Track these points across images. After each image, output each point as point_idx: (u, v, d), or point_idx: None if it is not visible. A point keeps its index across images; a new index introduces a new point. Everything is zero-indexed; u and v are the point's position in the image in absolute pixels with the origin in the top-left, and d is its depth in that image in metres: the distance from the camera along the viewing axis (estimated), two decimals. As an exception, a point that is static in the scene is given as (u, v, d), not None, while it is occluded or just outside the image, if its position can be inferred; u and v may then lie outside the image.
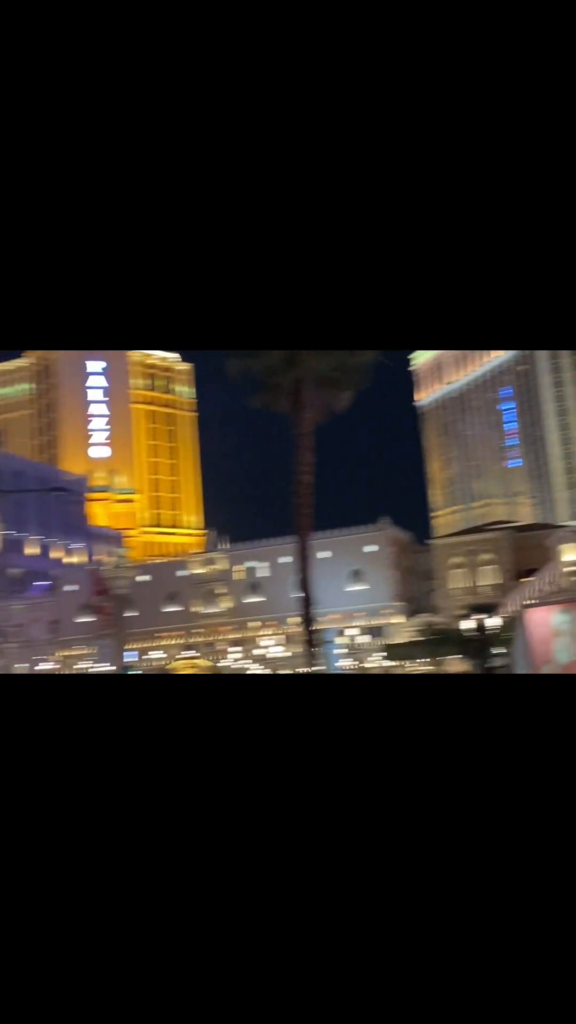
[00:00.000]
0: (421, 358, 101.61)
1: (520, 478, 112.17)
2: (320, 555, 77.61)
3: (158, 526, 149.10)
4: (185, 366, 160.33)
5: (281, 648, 75.44)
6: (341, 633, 70.40)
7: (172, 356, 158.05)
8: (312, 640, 22.24)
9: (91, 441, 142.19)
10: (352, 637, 71.91)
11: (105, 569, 77.54)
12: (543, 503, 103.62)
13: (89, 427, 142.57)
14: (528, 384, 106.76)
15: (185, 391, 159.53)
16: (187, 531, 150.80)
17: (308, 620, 21.73)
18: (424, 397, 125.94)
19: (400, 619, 74.54)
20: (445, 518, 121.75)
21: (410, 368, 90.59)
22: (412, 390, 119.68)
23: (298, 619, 74.89)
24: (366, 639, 72.44)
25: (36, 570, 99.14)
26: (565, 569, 65.83)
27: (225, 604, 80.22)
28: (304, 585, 21.32)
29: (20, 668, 79.78)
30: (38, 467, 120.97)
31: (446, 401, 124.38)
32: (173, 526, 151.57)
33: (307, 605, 21.57)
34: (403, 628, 73.56)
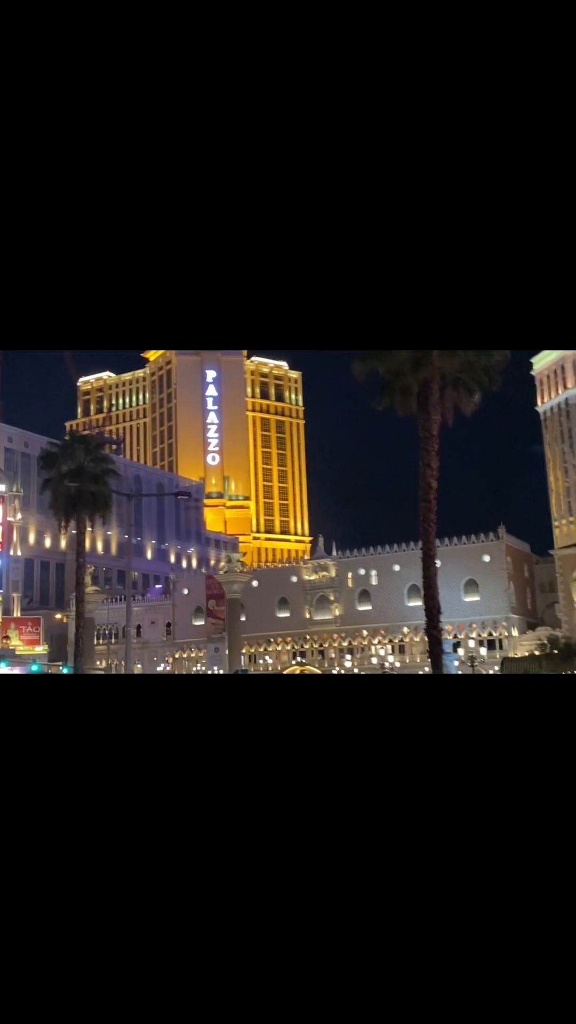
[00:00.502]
0: (541, 362, 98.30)
1: None
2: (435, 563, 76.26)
3: (269, 532, 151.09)
4: (295, 374, 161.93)
5: (391, 657, 74.43)
6: (458, 645, 68.64)
7: (283, 364, 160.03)
8: (434, 650, 21.61)
9: (207, 448, 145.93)
10: (469, 649, 69.99)
11: (219, 574, 79.14)
12: None
13: (206, 435, 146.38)
14: None
15: (294, 398, 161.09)
16: (297, 537, 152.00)
17: (433, 629, 21.10)
18: (544, 403, 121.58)
19: (516, 632, 71.88)
20: (566, 528, 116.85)
21: (531, 372, 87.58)
22: (532, 395, 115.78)
23: (407, 629, 73.80)
24: (483, 651, 70.34)
25: (154, 573, 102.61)
26: None
27: (336, 611, 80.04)
28: (429, 593, 20.74)
29: (138, 669, 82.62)
30: (157, 473, 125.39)
31: (567, 407, 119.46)
32: (283, 532, 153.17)
33: (433, 614, 20.96)
34: (521, 641, 70.88)
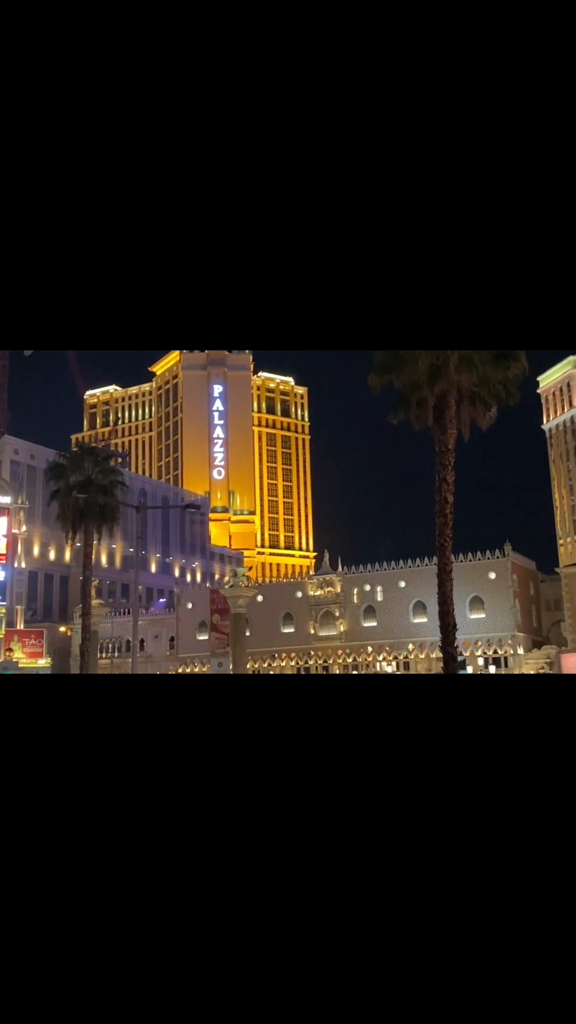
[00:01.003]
0: (547, 380, 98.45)
1: None
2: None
3: (273, 547, 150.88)
4: (301, 389, 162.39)
5: (397, 674, 73.95)
6: (465, 663, 68.24)
7: (289, 379, 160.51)
8: (450, 668, 21.36)
9: (213, 463, 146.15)
10: (477, 667, 69.54)
11: (224, 588, 78.91)
12: None
13: (211, 449, 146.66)
14: None
15: (300, 414, 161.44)
16: (301, 553, 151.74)
17: (449, 647, 20.89)
18: (550, 420, 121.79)
19: (521, 650, 71.41)
20: (571, 546, 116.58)
21: (537, 390, 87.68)
22: (538, 413, 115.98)
23: (413, 645, 73.30)
24: (492, 669, 69.89)
25: (157, 587, 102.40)
26: None
27: (341, 627, 79.66)
28: (444, 609, 20.53)
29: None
30: (162, 487, 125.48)
31: (572, 425, 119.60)
32: (287, 547, 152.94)
33: (448, 631, 20.75)
34: (527, 660, 70.42)
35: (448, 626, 20.80)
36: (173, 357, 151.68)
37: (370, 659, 76.85)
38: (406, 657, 75.07)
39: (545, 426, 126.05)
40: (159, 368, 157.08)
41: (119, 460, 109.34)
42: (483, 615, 72.55)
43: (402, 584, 76.18)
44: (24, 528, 79.11)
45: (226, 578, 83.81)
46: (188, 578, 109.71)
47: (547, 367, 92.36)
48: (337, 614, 79.71)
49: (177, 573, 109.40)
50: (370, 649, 77.13)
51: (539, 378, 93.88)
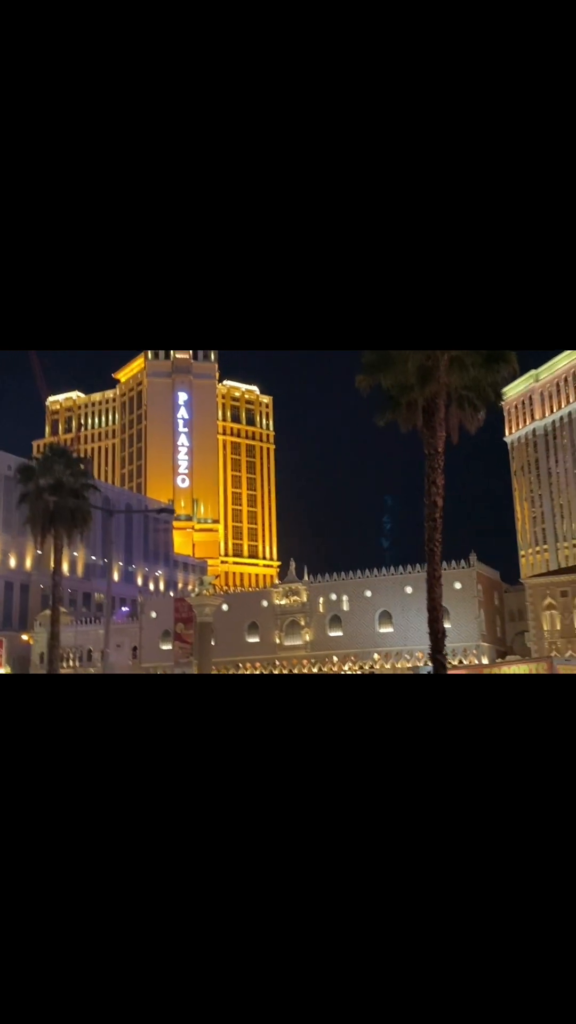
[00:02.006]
0: (509, 394, 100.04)
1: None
2: (406, 590, 76.23)
3: (237, 556, 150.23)
4: (266, 398, 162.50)
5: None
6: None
7: (255, 388, 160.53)
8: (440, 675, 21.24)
9: (177, 471, 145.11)
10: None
11: (188, 597, 78.09)
12: None
13: (176, 458, 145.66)
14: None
15: (265, 423, 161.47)
16: (265, 562, 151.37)
17: (438, 654, 20.75)
18: (512, 433, 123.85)
19: (486, 660, 72.02)
20: (532, 557, 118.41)
21: (500, 403, 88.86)
22: (500, 426, 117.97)
23: (378, 655, 73.39)
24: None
25: (121, 595, 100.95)
26: None
27: (306, 636, 79.42)
28: (434, 615, 20.42)
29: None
30: (125, 494, 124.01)
31: (534, 438, 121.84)
32: (251, 556, 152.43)
33: (438, 637, 20.61)
34: (491, 670, 71.03)
35: (437, 633, 20.67)
36: (138, 364, 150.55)
37: (335, 668, 76.71)
38: (371, 667, 75.11)
39: (507, 438, 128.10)
40: (123, 375, 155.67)
41: (81, 467, 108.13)
42: (449, 625, 73.01)
43: (368, 593, 76.30)
44: (-16, 534, 77.24)
45: (190, 587, 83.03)
46: (151, 587, 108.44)
47: (509, 379, 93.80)
48: (303, 623, 79.49)
49: (140, 582, 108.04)
50: (335, 659, 77.02)
51: (502, 390, 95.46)
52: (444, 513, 20.44)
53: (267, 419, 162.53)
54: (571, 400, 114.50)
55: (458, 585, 74.03)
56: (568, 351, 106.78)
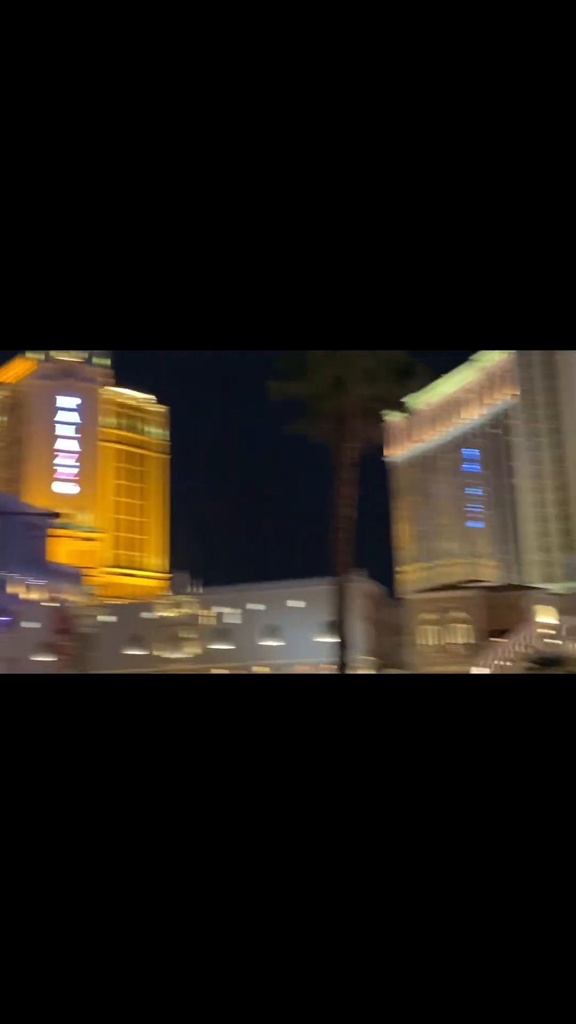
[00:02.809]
0: (393, 414, 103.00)
1: (483, 539, 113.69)
2: (292, 604, 76.62)
3: (120, 567, 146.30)
4: (159, 408, 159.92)
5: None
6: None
7: (146, 397, 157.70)
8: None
9: (57, 477, 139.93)
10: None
11: (68, 607, 75.17)
12: (507, 565, 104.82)
13: (56, 463, 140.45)
14: (498, 447, 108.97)
15: (157, 432, 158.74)
16: (150, 574, 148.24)
17: (343, 666, 20.71)
18: (395, 454, 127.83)
19: (369, 674, 73.45)
20: (411, 574, 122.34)
21: (382, 423, 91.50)
22: (383, 444, 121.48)
23: (266, 668, 73.26)
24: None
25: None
26: (540, 631, 65.95)
27: (191, 650, 78.20)
28: (340, 629, 20.39)
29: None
30: (2, 498, 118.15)
31: (416, 459, 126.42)
32: (135, 568, 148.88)
33: (343, 650, 20.58)
34: (373, 683, 72.50)
35: (345, 644, 20.65)
36: (22, 365, 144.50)
37: (220, 682, 75.93)
38: (256, 680, 74.88)
39: (390, 458, 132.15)
40: (6, 376, 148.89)
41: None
42: (336, 639, 73.98)
43: (258, 606, 76.14)
44: None
45: (71, 597, 79.98)
46: (28, 597, 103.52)
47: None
48: (188, 636, 78.26)
49: (14, 591, 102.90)
50: (214, 671, 76.20)
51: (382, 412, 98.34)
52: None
53: (161, 428, 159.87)
54: (455, 423, 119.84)
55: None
56: (452, 375, 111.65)
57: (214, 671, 75.72)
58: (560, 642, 62.45)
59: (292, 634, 74.04)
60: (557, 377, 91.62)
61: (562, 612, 65.36)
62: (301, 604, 72.96)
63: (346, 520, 19.28)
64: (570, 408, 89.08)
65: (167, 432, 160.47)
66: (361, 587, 76.11)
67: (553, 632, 64.13)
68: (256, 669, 74.35)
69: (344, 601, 19.60)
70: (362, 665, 73.27)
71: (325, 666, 71.28)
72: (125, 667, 78.08)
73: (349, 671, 20.18)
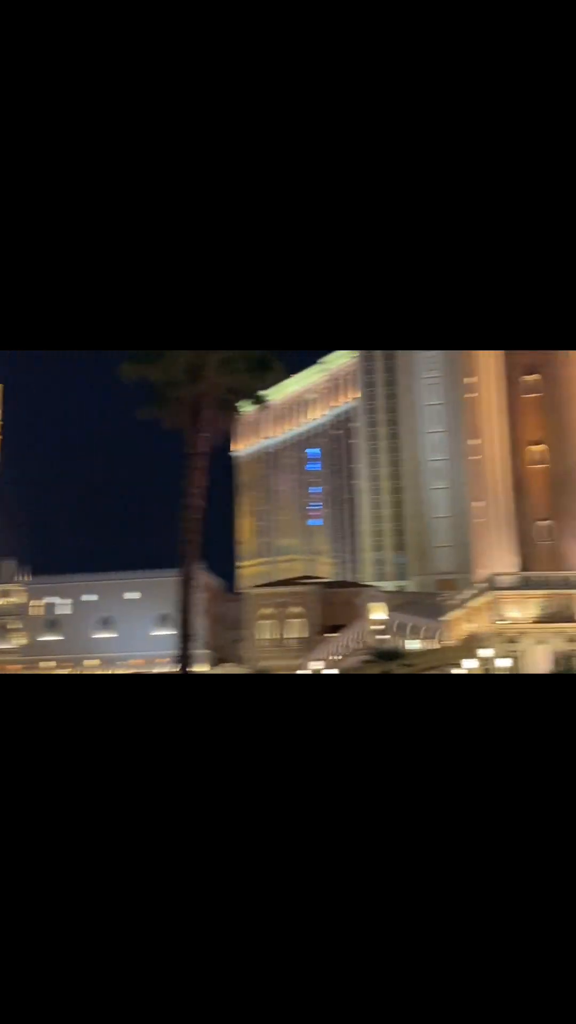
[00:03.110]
0: (247, 406, 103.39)
1: (321, 537, 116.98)
2: (128, 596, 74.65)
3: None
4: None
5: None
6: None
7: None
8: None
9: None
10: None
11: None
12: (343, 563, 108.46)
13: None
14: (340, 447, 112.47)
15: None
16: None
17: (184, 660, 20.13)
18: (240, 448, 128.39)
19: (207, 668, 73.16)
20: (251, 569, 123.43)
21: (236, 414, 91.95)
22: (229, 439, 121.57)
23: (98, 660, 70.98)
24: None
25: None
26: (371, 627, 68.70)
27: (17, 640, 74.08)
28: (185, 619, 19.83)
29: None
30: None
31: (261, 455, 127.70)
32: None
33: (185, 642, 20.01)
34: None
35: (188, 637, 20.09)
36: None
37: (44, 674, 72.55)
38: (83, 672, 72.30)
39: (235, 452, 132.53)
40: None
41: None
42: (173, 631, 73.00)
43: (91, 597, 73.47)
44: None
45: None
46: None
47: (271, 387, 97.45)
48: (14, 627, 74.11)
49: None
50: (54, 664, 72.85)
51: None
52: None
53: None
54: (300, 422, 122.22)
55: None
56: (300, 375, 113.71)
57: (42, 664, 72.21)
58: (389, 638, 65.34)
59: (127, 626, 72.15)
60: (397, 384, 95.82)
61: (392, 609, 68.43)
62: (137, 595, 71.24)
63: (195, 510, 18.78)
64: (408, 414, 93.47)
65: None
66: (200, 580, 75.67)
67: (383, 628, 66.97)
68: (88, 662, 71.75)
69: (187, 593, 19.08)
70: (199, 659, 72.82)
71: (161, 660, 70.17)
72: (-58, 659, 72.68)
73: (188, 666, 19.72)
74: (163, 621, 73.87)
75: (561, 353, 53.74)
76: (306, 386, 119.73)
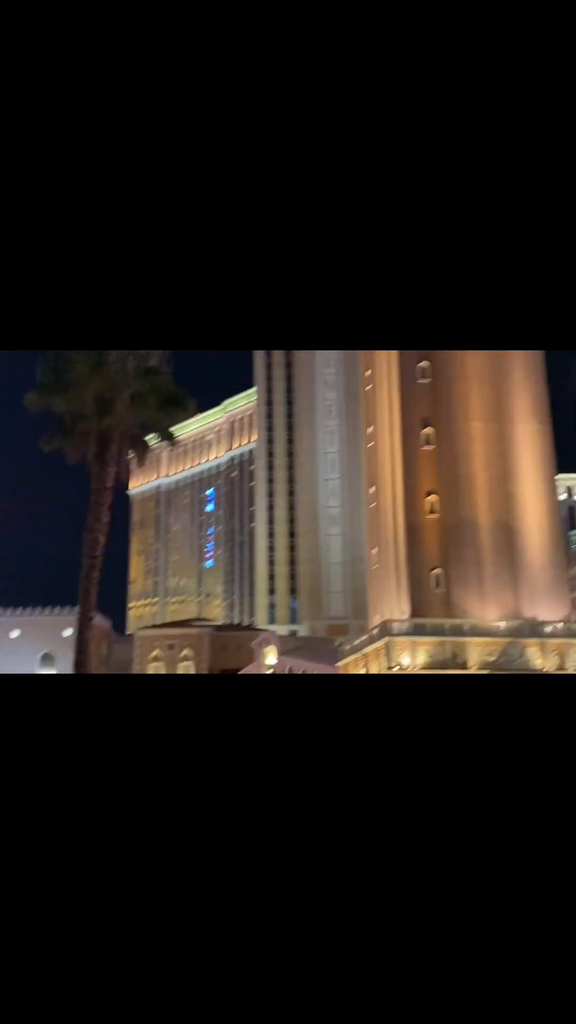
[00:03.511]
0: (156, 442, 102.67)
1: (215, 579, 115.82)
2: (11, 634, 70.69)
3: None
4: None
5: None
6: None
7: None
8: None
9: None
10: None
11: None
12: (236, 605, 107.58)
13: None
14: (236, 490, 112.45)
15: None
16: None
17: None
18: (135, 487, 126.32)
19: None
20: (141, 610, 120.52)
21: (146, 449, 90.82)
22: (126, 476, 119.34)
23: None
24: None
25: None
26: (264, 671, 67.90)
27: None
28: (81, 658, 18.76)
29: None
30: None
31: (156, 494, 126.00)
32: None
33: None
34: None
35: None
36: None
37: None
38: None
39: (130, 491, 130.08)
40: None
41: None
42: (54, 670, 69.83)
43: (14, 633, 69.62)
44: None
45: None
46: None
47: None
48: None
49: None
50: None
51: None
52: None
53: None
54: (196, 463, 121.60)
55: (68, 632, 71.44)
56: (200, 416, 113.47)
57: None
58: (281, 683, 64.89)
59: (5, 665, 68.49)
60: (295, 429, 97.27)
61: (284, 653, 68.06)
62: (18, 633, 67.82)
63: (97, 546, 17.94)
64: (307, 459, 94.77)
65: None
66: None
67: (274, 672, 66.39)
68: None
69: (83, 632, 18.10)
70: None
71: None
72: None
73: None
74: (44, 661, 70.56)
75: (456, 407, 56.09)
76: (205, 426, 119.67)
